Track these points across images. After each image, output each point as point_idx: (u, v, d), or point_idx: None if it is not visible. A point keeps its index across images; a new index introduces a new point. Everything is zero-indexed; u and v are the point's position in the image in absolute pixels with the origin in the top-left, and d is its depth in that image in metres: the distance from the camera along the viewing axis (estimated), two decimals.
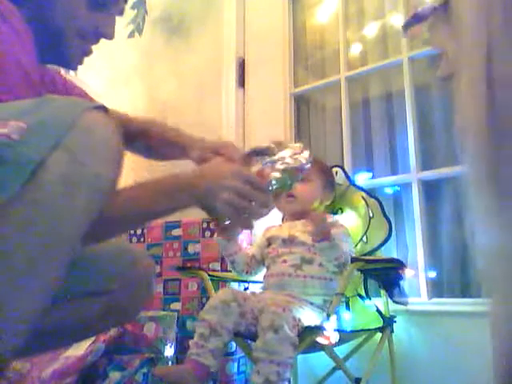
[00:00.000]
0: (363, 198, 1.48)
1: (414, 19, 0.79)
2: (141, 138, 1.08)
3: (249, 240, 1.84)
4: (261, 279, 1.45)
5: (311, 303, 1.28)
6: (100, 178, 0.64)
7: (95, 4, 0.91)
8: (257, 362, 1.11)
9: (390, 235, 1.39)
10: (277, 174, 0.85)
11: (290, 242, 1.38)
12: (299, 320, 1.17)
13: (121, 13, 0.98)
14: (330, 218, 1.40)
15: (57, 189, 0.60)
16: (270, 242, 1.44)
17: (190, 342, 1.21)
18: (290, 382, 1.11)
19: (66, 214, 0.61)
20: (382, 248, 1.41)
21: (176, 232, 1.86)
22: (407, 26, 0.84)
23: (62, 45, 0.90)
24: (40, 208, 0.60)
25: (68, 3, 0.88)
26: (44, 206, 0.60)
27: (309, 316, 1.22)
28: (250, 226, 0.85)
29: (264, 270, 1.44)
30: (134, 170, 2.30)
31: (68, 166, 0.61)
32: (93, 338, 1.57)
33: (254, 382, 1.10)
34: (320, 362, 1.45)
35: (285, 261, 1.36)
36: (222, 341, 1.19)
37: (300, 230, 1.40)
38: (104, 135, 0.66)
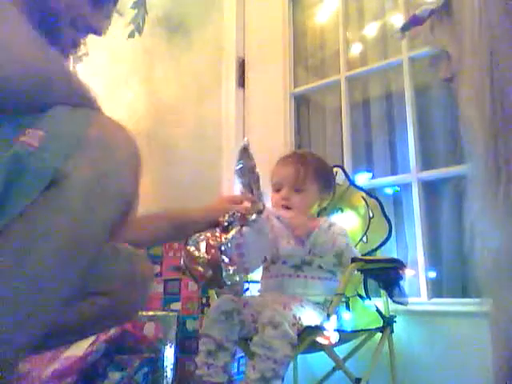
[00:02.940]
0: (363, 198, 1.48)
1: (412, 22, 0.79)
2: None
3: None
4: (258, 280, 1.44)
5: (313, 302, 1.28)
6: (121, 192, 0.67)
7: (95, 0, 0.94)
8: (253, 357, 1.11)
9: (389, 235, 1.39)
10: None
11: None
12: (299, 319, 1.17)
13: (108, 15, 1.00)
14: (327, 222, 1.40)
15: (79, 200, 0.62)
16: None
17: (198, 361, 1.21)
18: (283, 380, 1.11)
19: (86, 226, 0.63)
20: (382, 248, 1.41)
21: None
22: (404, 28, 0.84)
23: (55, 31, 0.90)
24: (61, 217, 0.61)
25: None
26: (65, 215, 0.62)
27: (309, 315, 1.22)
28: None
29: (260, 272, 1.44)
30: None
31: (91, 179, 0.63)
32: (93, 338, 1.57)
33: (248, 377, 1.09)
34: (320, 361, 1.45)
35: (284, 262, 1.35)
36: (229, 353, 1.20)
37: None
38: (124, 150, 0.68)
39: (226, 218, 1.10)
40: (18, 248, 0.60)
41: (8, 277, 0.61)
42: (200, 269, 1.04)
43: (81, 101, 0.72)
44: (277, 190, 1.42)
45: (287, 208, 1.40)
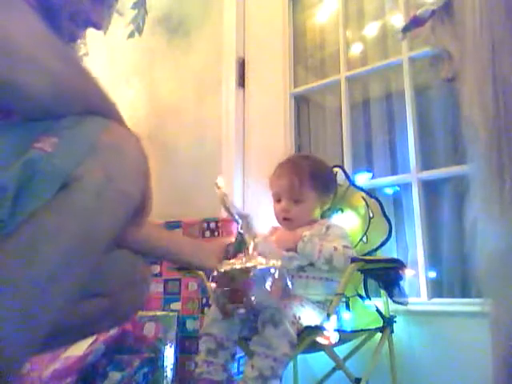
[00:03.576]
0: (363, 198, 1.48)
1: (413, 23, 0.79)
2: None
3: None
4: None
5: (312, 301, 1.28)
6: (129, 197, 0.70)
7: None
8: (252, 355, 1.11)
9: (390, 235, 1.38)
10: None
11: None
12: (299, 318, 1.17)
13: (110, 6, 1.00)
14: (326, 224, 1.40)
15: (89, 202, 0.65)
16: None
17: (198, 359, 1.21)
18: (281, 380, 1.11)
19: (95, 227, 0.66)
20: (382, 248, 1.41)
21: (176, 232, 1.86)
22: (406, 29, 0.84)
23: (53, 24, 0.89)
24: (71, 218, 0.64)
25: None
26: (76, 217, 0.64)
27: (309, 315, 1.22)
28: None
29: None
30: None
31: (102, 183, 0.66)
32: (93, 338, 1.57)
33: (246, 375, 1.09)
34: (320, 361, 1.45)
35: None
36: (229, 352, 1.21)
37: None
38: (134, 156, 0.71)
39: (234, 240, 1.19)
40: (26, 248, 0.62)
41: (16, 277, 0.62)
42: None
43: (97, 110, 0.74)
44: (277, 200, 1.43)
45: (287, 220, 1.40)
